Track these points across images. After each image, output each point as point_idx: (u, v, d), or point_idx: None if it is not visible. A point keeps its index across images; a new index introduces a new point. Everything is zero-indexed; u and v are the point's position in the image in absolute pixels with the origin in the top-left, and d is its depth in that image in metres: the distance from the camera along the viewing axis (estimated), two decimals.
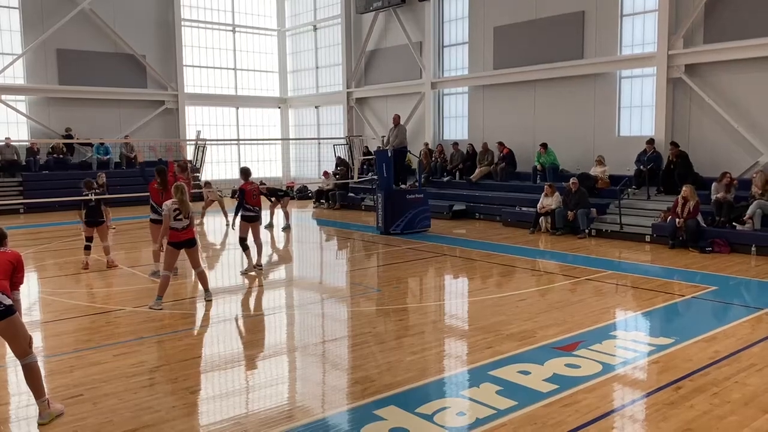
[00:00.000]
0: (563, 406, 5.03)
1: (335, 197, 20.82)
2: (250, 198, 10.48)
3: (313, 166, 27.12)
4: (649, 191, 14.76)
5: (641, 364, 6.10)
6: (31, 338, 4.97)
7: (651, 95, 15.90)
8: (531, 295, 8.98)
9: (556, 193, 14.61)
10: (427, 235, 14.53)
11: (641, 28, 16.07)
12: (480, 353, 6.39)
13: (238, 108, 27.23)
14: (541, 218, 14.69)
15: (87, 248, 11.03)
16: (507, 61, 18.76)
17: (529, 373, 5.76)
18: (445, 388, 5.61)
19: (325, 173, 22.34)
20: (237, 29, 26.96)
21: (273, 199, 16.46)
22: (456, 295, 9.78)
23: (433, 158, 20.29)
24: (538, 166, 17.11)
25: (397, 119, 16.42)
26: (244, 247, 10.57)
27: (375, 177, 17.48)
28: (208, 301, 8.59)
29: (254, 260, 10.76)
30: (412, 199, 15.00)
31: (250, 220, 10.53)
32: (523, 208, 15.94)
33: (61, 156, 21.50)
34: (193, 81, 25.65)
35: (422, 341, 6.90)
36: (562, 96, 17.66)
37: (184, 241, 8.32)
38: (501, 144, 18.24)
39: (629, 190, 15.12)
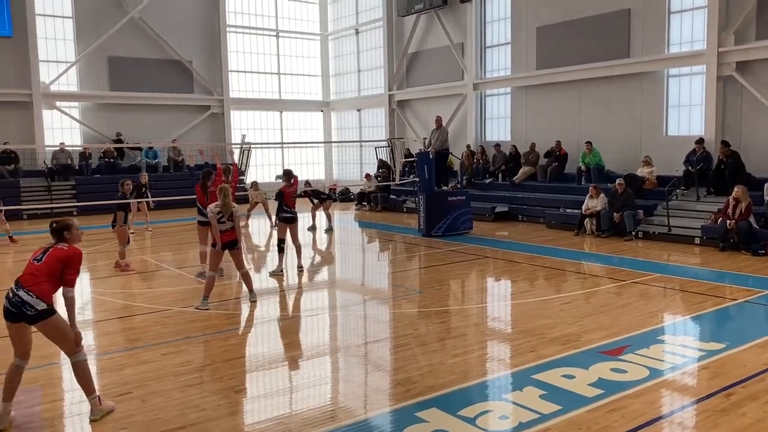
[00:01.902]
0: (609, 412, 4.94)
1: (377, 199, 20.89)
2: (288, 200, 10.65)
3: (355, 169, 27.26)
4: (698, 192, 14.35)
5: (690, 370, 5.94)
6: (79, 336, 5.02)
7: (700, 94, 15.47)
8: (576, 298, 8.83)
9: (602, 195, 14.35)
10: (469, 237, 14.45)
11: (690, 25, 15.65)
12: (523, 356, 6.32)
13: (281, 112, 27.60)
14: (586, 220, 14.44)
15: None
16: (550, 61, 18.53)
17: (574, 377, 5.67)
18: (488, 392, 5.57)
19: (367, 175, 22.45)
20: (281, 34, 27.33)
21: (315, 201, 16.61)
22: (499, 297, 9.70)
23: (475, 160, 20.17)
24: (583, 167, 16.84)
25: (439, 121, 16.38)
26: (281, 249, 10.70)
27: (416, 179, 17.48)
28: (253, 301, 8.72)
29: (296, 261, 10.92)
30: (454, 201, 14.94)
31: (288, 221, 10.67)
32: (568, 210, 15.70)
33: (111, 160, 22.14)
34: (238, 86, 26.11)
35: (464, 344, 6.88)
36: (607, 96, 17.34)
37: (227, 242, 8.47)
38: (558, 143, 17.93)
39: (678, 191, 14.74)
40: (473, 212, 15.57)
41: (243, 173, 22.44)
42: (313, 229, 16.33)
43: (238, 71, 26.13)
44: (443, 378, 5.74)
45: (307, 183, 17.36)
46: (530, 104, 19.62)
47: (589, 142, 16.78)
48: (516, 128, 20.14)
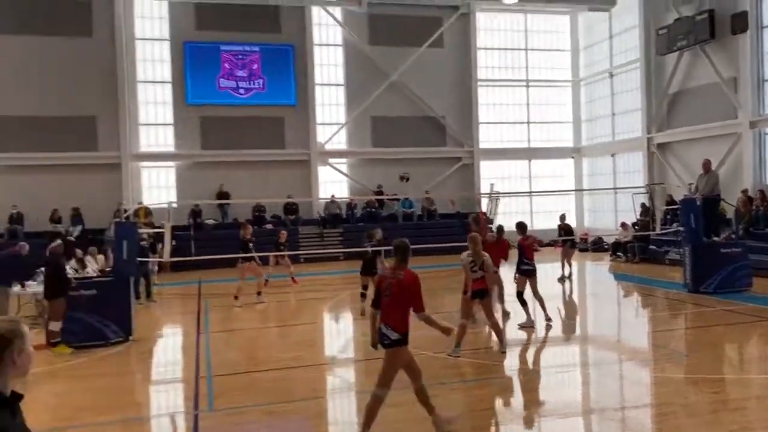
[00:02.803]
0: None
1: (634, 249, 19.53)
2: (528, 252, 10.51)
3: (609, 217, 25.87)
4: None
5: None
6: (447, 330, 5.76)
7: None
8: None
9: None
10: (749, 296, 12.64)
11: None
12: None
13: (530, 160, 27.52)
14: None
15: (362, 295, 11.60)
16: None
17: None
18: None
19: (623, 224, 21.14)
20: (531, 84, 27.49)
21: (562, 247, 16.19)
22: None
23: (754, 206, 17.76)
24: None
25: (707, 165, 14.88)
26: (522, 302, 10.43)
27: (681, 228, 15.99)
28: (502, 352, 8.68)
29: (543, 314, 10.59)
30: (728, 254, 13.29)
31: (528, 274, 10.47)
32: None
33: (373, 209, 24.18)
34: (487, 137, 26.76)
35: (744, 419, 6.00)
36: None
37: (477, 291, 8.57)
38: None
39: None
40: (753, 266, 13.64)
41: (491, 222, 22.76)
42: (562, 280, 15.79)
43: (487, 123, 26.80)
44: None
45: (563, 217, 16.85)
46: None
47: None
48: None
